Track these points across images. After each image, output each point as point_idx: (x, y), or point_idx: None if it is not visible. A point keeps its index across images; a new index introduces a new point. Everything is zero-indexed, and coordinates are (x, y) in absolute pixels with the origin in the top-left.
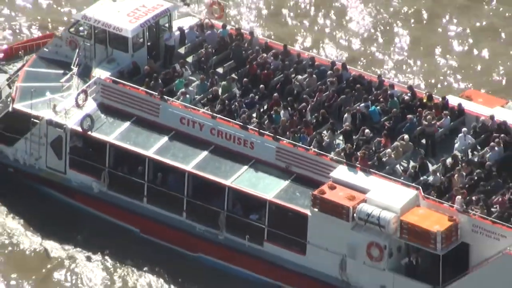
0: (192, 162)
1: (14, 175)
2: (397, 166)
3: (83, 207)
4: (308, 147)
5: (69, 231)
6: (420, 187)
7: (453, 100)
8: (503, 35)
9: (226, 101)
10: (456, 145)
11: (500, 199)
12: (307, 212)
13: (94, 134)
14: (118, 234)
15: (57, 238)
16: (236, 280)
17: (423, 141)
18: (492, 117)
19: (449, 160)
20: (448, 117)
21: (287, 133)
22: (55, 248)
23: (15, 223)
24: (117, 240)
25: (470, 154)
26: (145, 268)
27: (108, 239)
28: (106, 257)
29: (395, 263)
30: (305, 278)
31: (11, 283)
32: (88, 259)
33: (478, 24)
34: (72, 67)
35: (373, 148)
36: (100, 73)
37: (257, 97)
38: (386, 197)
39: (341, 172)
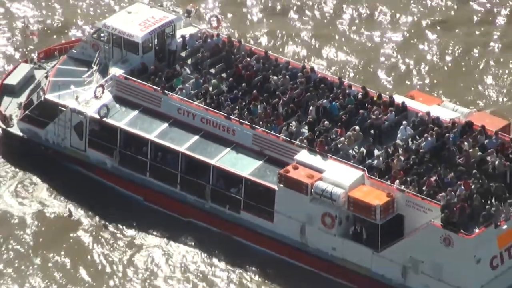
0: (185, 144)
1: (45, 152)
2: (349, 151)
3: (99, 179)
4: (278, 135)
5: (87, 199)
6: (366, 169)
7: (398, 99)
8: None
9: (215, 96)
10: (398, 135)
11: (429, 180)
12: (275, 187)
13: (109, 120)
14: (125, 201)
15: (78, 204)
16: (218, 239)
17: (372, 131)
18: (428, 113)
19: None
20: (393, 112)
21: (261, 123)
22: (77, 212)
23: (45, 191)
24: (124, 205)
25: (409, 142)
26: (149, 230)
27: (117, 204)
28: (116, 220)
29: (344, 230)
30: (273, 241)
31: (40, 240)
32: (103, 222)
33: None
34: (93, 65)
35: (331, 137)
36: (115, 71)
37: (240, 93)
38: (338, 176)
39: (303, 155)
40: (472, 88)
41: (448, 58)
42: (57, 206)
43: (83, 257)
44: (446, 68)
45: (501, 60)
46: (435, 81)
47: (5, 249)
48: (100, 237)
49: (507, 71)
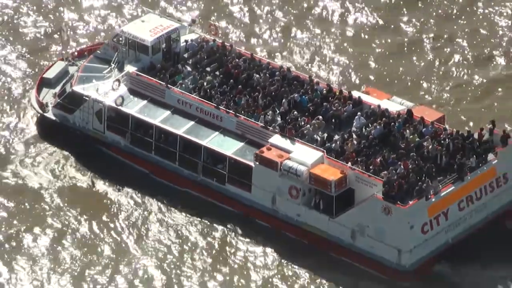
0: (183, 128)
1: (72, 134)
2: (314, 136)
3: (115, 155)
4: (257, 122)
5: (106, 172)
6: (325, 151)
7: (356, 94)
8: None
9: (208, 90)
10: (354, 124)
11: (375, 160)
12: (252, 164)
13: (123, 108)
14: (135, 174)
15: (98, 176)
16: (207, 206)
17: (333, 120)
18: (379, 106)
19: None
20: (351, 105)
21: (243, 112)
22: (97, 183)
23: (73, 165)
24: (135, 177)
25: (363, 130)
26: (153, 197)
27: (129, 176)
28: (128, 187)
29: (306, 200)
30: (250, 207)
31: (68, 204)
32: (118, 190)
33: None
34: (112, 64)
35: (299, 124)
36: (129, 68)
37: (228, 87)
38: (302, 156)
39: (276, 139)
40: (417, 86)
41: (396, 60)
42: (82, 177)
43: (104, 218)
44: (395, 68)
45: (442, 62)
46: (387, 79)
47: (42, 213)
48: (115, 202)
49: (446, 72)
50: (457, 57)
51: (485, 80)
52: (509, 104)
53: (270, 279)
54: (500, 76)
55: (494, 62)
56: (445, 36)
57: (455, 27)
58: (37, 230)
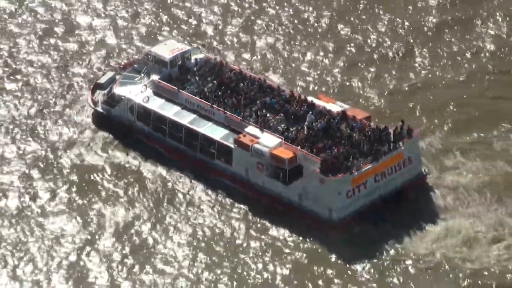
0: (187, 120)
1: (114, 123)
2: (277, 128)
3: (142, 139)
4: (238, 117)
5: (137, 151)
6: (283, 138)
7: (310, 98)
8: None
9: (207, 94)
10: (306, 120)
11: (317, 146)
12: (232, 146)
13: (148, 105)
14: (156, 153)
15: (131, 152)
16: (204, 177)
17: (292, 117)
18: (325, 108)
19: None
20: (306, 106)
21: (229, 109)
22: (131, 159)
23: (115, 146)
24: (156, 155)
25: (312, 124)
26: (169, 170)
27: (152, 154)
28: (150, 162)
29: (269, 172)
30: (231, 177)
31: (112, 178)
32: (142, 162)
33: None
34: (142, 74)
35: (267, 119)
36: (154, 77)
37: (220, 92)
38: (267, 141)
39: (250, 129)
40: (355, 95)
41: (343, 74)
42: (120, 154)
43: (138, 186)
44: (342, 81)
45: (374, 77)
46: (336, 89)
47: (97, 181)
48: (142, 171)
49: (377, 82)
50: (385, 74)
51: (407, 88)
52: (424, 108)
53: (239, 229)
54: (416, 86)
55: (413, 73)
56: (376, 57)
57: (391, 44)
58: (92, 192)
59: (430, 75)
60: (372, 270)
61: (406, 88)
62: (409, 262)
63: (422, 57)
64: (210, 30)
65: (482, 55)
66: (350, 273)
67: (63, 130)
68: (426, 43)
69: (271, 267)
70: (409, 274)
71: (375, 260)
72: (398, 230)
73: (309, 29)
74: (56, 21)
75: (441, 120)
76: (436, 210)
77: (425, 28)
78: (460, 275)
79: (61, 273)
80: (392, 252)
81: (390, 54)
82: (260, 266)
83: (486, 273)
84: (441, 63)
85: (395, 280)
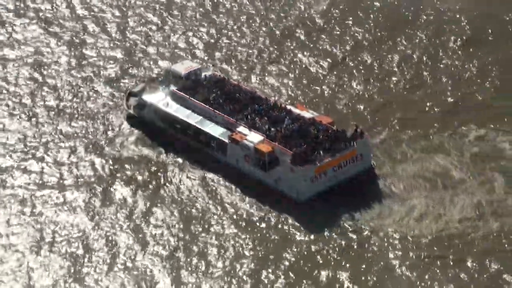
0: (195, 120)
1: (143, 122)
2: (262, 128)
3: (164, 134)
4: (233, 119)
5: (159, 142)
6: (265, 136)
7: (289, 107)
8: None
9: (211, 101)
10: (285, 123)
11: (291, 143)
12: (227, 141)
13: (167, 109)
14: (174, 144)
15: (156, 144)
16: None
17: (274, 121)
18: (299, 114)
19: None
20: (285, 113)
21: (226, 114)
22: (158, 151)
23: (146, 142)
24: (173, 146)
25: (289, 126)
26: (182, 158)
27: (172, 147)
28: (170, 152)
29: (253, 162)
30: (226, 165)
31: (143, 165)
32: (163, 152)
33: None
34: (163, 85)
35: (255, 121)
36: (172, 88)
37: (221, 100)
38: (252, 138)
39: (241, 128)
40: (322, 104)
41: (317, 86)
42: (148, 147)
43: (162, 173)
44: (314, 94)
45: (340, 90)
46: (314, 100)
47: (130, 169)
48: (166, 163)
49: (341, 92)
50: (351, 90)
51: (366, 96)
52: (375, 112)
53: (227, 203)
54: (371, 95)
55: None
56: (343, 74)
57: (362, 60)
58: (129, 178)
59: (381, 88)
60: (329, 238)
61: (366, 96)
62: (365, 233)
63: (374, 72)
64: (218, 54)
65: (415, 63)
66: (312, 238)
67: (107, 128)
68: (373, 57)
69: (246, 235)
70: (362, 243)
71: (333, 230)
72: (352, 209)
73: (290, 49)
74: (100, 41)
75: (390, 121)
76: (386, 193)
77: (372, 37)
78: (407, 244)
79: (96, 241)
80: (347, 224)
81: (355, 72)
82: (237, 231)
83: (427, 240)
84: (392, 77)
85: (354, 246)
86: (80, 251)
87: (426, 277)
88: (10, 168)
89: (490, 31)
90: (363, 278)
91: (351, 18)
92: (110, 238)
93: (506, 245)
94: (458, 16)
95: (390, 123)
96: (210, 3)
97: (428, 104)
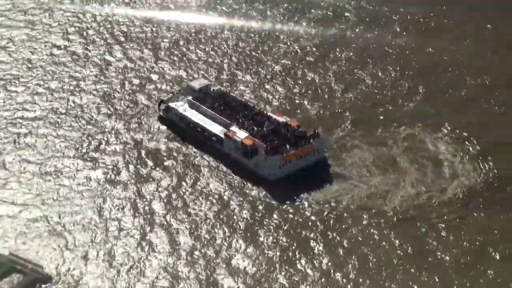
0: (202, 121)
1: (170, 122)
2: (248, 128)
3: (183, 132)
4: (228, 121)
5: (179, 138)
6: (249, 134)
7: (269, 113)
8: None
9: (215, 108)
10: (265, 125)
11: (268, 139)
12: (223, 137)
13: (184, 113)
14: (189, 140)
15: (177, 139)
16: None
17: (257, 123)
18: (276, 119)
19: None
20: (266, 117)
21: (224, 117)
22: (178, 144)
23: (169, 136)
24: (190, 141)
25: (268, 127)
26: (194, 150)
27: (186, 141)
28: (185, 147)
29: (241, 152)
30: (223, 154)
31: (171, 157)
32: (185, 149)
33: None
34: (183, 95)
35: (244, 123)
36: (189, 98)
37: (222, 108)
38: (240, 135)
39: (233, 128)
40: (297, 113)
41: (293, 99)
42: (173, 142)
43: (182, 160)
44: (292, 106)
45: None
46: (288, 108)
47: (158, 162)
48: (187, 153)
49: (313, 101)
50: (315, 102)
51: (328, 106)
52: (333, 117)
53: (223, 179)
54: (328, 104)
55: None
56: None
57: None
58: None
59: (341, 101)
60: (293, 209)
61: (328, 107)
62: (326, 206)
63: (336, 90)
64: (224, 74)
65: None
66: (280, 209)
67: (142, 127)
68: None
69: (235, 201)
70: (317, 213)
71: (296, 203)
72: (310, 188)
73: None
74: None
75: (344, 123)
76: (339, 176)
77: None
78: (361, 213)
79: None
80: (305, 201)
81: (325, 87)
82: (226, 198)
83: (374, 211)
84: (348, 93)
85: (312, 218)
86: (130, 211)
87: (372, 230)
88: (79, 155)
89: (415, 64)
90: (322, 237)
91: (331, 55)
92: (150, 204)
93: (433, 214)
94: (407, 52)
95: (344, 125)
96: (213, 46)
97: (373, 111)
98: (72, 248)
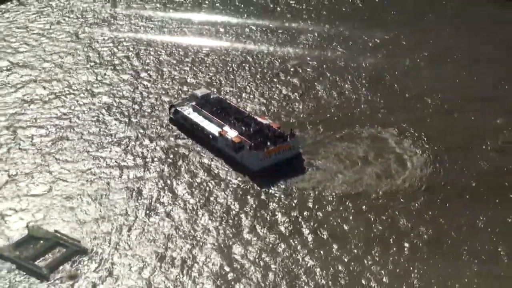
0: (204, 123)
1: (178, 123)
2: (238, 128)
3: (189, 132)
4: (222, 122)
5: (184, 136)
6: (238, 132)
7: (256, 117)
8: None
9: (213, 112)
10: (251, 126)
11: (253, 138)
12: (218, 135)
13: (189, 116)
14: (194, 139)
15: (182, 137)
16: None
17: (245, 124)
18: (261, 121)
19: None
20: (253, 120)
21: (220, 119)
22: (183, 141)
23: (177, 135)
24: (193, 140)
25: (254, 128)
26: (197, 145)
27: (192, 140)
28: (194, 144)
29: (231, 148)
30: (217, 148)
31: (179, 154)
32: (190, 145)
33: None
34: (188, 101)
35: (235, 124)
36: (192, 103)
37: (219, 112)
38: (231, 134)
39: (226, 128)
40: (281, 116)
41: (278, 103)
42: (180, 139)
43: (186, 155)
44: (279, 111)
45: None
46: (274, 112)
47: (173, 155)
48: (191, 148)
49: (295, 106)
50: (296, 108)
51: (306, 109)
52: (309, 119)
53: (218, 168)
54: (310, 110)
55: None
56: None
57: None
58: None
59: (316, 107)
60: (276, 194)
61: (306, 109)
62: (307, 192)
63: (318, 100)
64: (223, 84)
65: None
66: (264, 194)
67: (155, 127)
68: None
69: (220, 191)
70: (302, 199)
71: (275, 189)
72: (287, 176)
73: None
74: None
75: (318, 124)
76: (312, 167)
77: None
78: (338, 199)
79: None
80: (283, 185)
81: (301, 91)
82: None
83: (352, 192)
84: (321, 101)
85: (294, 201)
86: (140, 188)
87: (341, 208)
88: (103, 147)
89: (387, 76)
90: (297, 213)
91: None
92: (159, 185)
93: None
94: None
95: (318, 126)
96: (216, 69)
97: (341, 115)
98: (106, 228)
